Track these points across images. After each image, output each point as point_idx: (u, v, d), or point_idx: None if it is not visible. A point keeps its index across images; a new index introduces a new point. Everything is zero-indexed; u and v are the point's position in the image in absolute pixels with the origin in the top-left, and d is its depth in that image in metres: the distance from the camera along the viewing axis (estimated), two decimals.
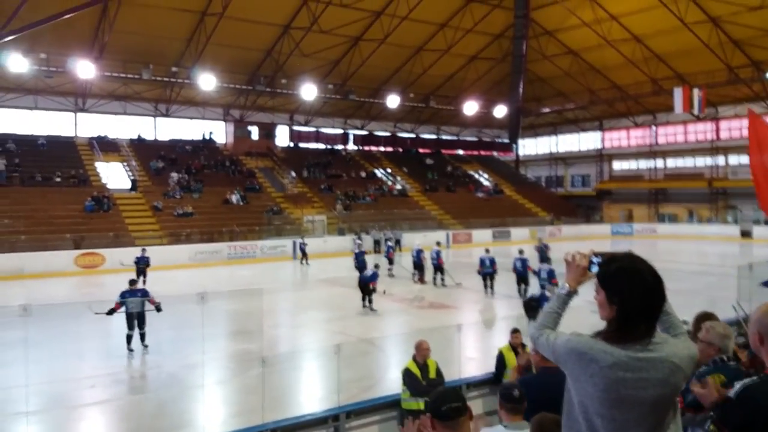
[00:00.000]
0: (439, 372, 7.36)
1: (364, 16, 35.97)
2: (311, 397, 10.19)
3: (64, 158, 34.81)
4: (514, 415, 3.69)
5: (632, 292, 2.23)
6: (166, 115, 41.04)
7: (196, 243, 29.98)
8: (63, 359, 12.67)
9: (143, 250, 22.72)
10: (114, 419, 9.70)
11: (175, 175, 35.81)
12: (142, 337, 12.85)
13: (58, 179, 32.29)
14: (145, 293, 13.08)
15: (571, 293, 2.62)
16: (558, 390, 2.67)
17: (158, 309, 12.64)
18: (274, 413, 7.87)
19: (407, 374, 7.20)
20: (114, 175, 36.31)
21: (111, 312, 12.50)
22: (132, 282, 13.33)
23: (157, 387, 10.96)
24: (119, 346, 13.69)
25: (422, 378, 7.14)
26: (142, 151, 38.43)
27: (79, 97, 37.60)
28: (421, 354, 7.42)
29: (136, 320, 12.72)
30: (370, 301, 17.29)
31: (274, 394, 9.54)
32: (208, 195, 35.54)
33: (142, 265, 21.74)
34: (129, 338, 12.68)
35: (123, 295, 12.83)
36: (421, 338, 7.70)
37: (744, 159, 42.96)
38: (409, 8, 35.15)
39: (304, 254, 29.16)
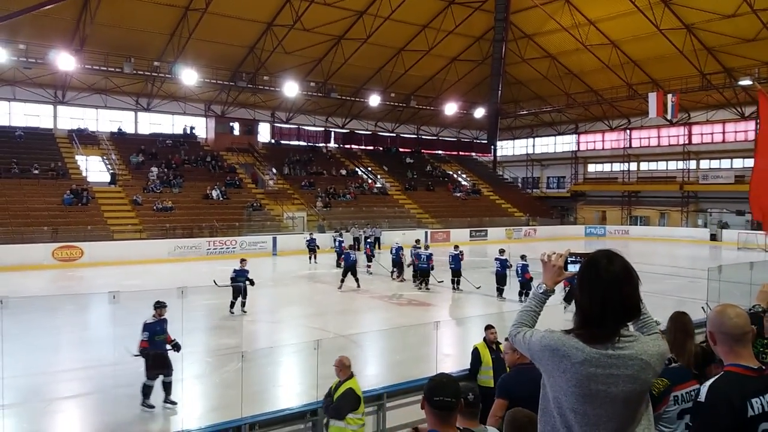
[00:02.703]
0: (342, 396, 6.38)
1: (347, 15, 36.11)
2: (290, 392, 10.28)
3: (43, 150, 34.44)
4: (470, 419, 3.55)
5: (585, 287, 2.28)
6: (147, 109, 40.74)
7: (176, 238, 29.90)
8: (38, 352, 12.63)
9: (242, 261, 16.96)
10: (90, 413, 9.71)
11: (155, 170, 35.63)
12: (167, 388, 9.31)
13: (36, 171, 31.95)
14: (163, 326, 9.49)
15: (548, 292, 2.64)
16: (535, 386, 2.85)
17: (176, 348, 9.47)
18: (252, 408, 7.99)
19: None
20: (93, 169, 36.08)
21: (143, 354, 9.24)
22: (159, 306, 9.59)
23: (135, 380, 11.01)
24: (95, 339, 13.73)
25: (329, 396, 6.57)
26: (122, 144, 38.13)
27: (58, 89, 37.17)
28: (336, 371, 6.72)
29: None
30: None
31: (252, 389, 9.64)
32: (188, 190, 35.43)
33: (241, 281, 16.23)
34: (148, 390, 9.15)
35: (150, 328, 9.32)
36: (342, 354, 7.00)
37: (714, 163, 44.11)
38: (392, 9, 35.35)
39: (314, 251, 27.96)
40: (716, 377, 2.50)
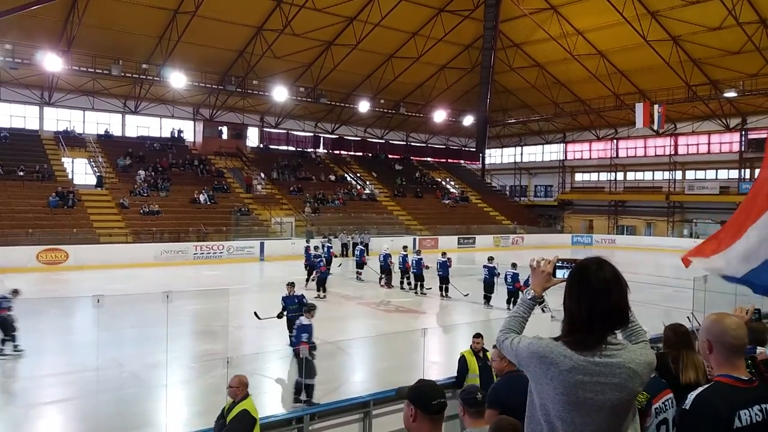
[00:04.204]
0: (235, 420, 5.90)
1: (337, 20, 36.22)
2: (275, 398, 10.28)
3: (28, 152, 34.12)
4: (477, 419, 3.54)
5: (573, 293, 2.28)
6: (135, 112, 40.51)
7: (162, 242, 29.69)
8: (21, 356, 12.52)
9: (290, 285, 13.50)
10: (73, 418, 9.63)
11: (142, 173, 35.43)
12: (310, 391, 9.59)
13: (21, 173, 31.63)
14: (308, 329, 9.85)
15: (537, 299, 2.63)
16: (525, 394, 2.78)
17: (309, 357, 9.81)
18: None
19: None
20: (80, 171, 35.84)
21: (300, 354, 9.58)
22: (312, 308, 10.26)
23: (119, 386, 10.86)
24: (79, 344, 13.58)
25: (222, 417, 6.17)
26: (109, 147, 37.85)
27: (45, 90, 36.87)
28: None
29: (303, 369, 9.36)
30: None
31: None
32: (175, 194, 35.23)
33: (293, 309, 12.83)
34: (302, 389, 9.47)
35: (310, 329, 9.91)
36: (238, 374, 6.47)
37: (699, 174, 44.64)
38: (382, 15, 35.53)
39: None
40: (705, 387, 2.49)
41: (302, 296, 13.32)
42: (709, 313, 2.81)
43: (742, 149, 41.88)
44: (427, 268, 20.95)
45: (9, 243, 26.04)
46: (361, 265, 24.91)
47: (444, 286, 20.30)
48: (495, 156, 58.40)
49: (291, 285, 13.47)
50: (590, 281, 2.24)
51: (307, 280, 22.05)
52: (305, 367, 9.40)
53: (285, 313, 13.05)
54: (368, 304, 19.33)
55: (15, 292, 12.70)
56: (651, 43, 35.37)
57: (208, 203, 35.29)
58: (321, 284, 20.30)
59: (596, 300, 2.22)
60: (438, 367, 11.17)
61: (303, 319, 10.02)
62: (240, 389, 6.09)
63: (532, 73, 44.19)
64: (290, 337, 10.09)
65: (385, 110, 46.68)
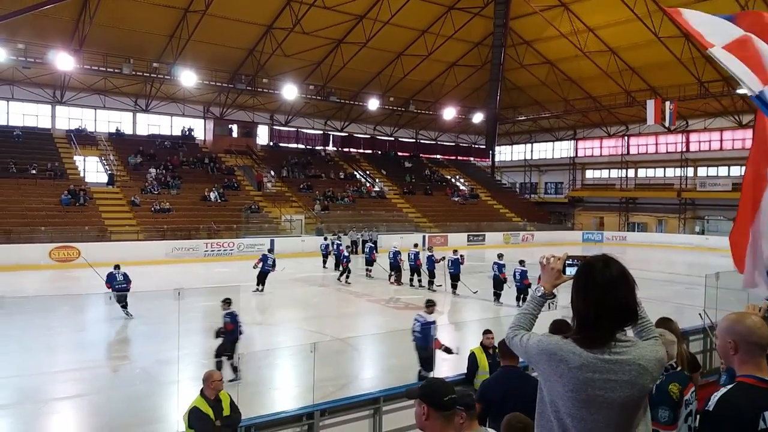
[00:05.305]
0: (234, 407, 6.58)
1: (347, 19, 36.22)
2: (286, 394, 10.31)
3: (41, 150, 34.36)
4: (473, 420, 3.35)
5: (580, 291, 2.28)
6: (146, 110, 40.72)
7: (173, 239, 29.86)
8: (34, 352, 12.62)
9: (225, 301, 11.20)
10: (85, 414, 9.70)
11: (153, 171, 35.63)
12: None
13: (34, 171, 31.89)
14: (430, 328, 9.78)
15: (546, 296, 2.61)
16: (516, 388, 2.75)
17: (448, 351, 9.88)
18: (248, 410, 7.99)
19: (195, 414, 6.34)
20: (91, 169, 36.10)
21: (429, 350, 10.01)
22: (432, 304, 10.25)
23: (131, 382, 10.95)
24: (91, 340, 13.74)
25: (215, 417, 6.37)
26: (120, 145, 38.10)
27: (57, 89, 37.16)
28: (211, 387, 6.57)
29: None
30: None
31: (249, 391, 9.66)
32: (186, 191, 35.42)
33: (228, 338, 10.80)
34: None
35: (428, 326, 10.00)
36: (211, 369, 6.88)
37: (711, 171, 44.26)
38: (391, 13, 35.49)
39: (326, 256, 26.25)
40: (728, 388, 2.43)
41: (233, 313, 10.91)
42: (720, 309, 2.78)
43: None
44: (442, 259, 21.00)
45: (23, 240, 26.31)
46: (370, 262, 24.88)
47: (454, 283, 20.31)
48: (505, 153, 58.20)
49: (226, 302, 11.11)
50: (596, 279, 2.24)
51: (341, 274, 23.25)
52: (428, 362, 9.94)
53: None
54: (378, 301, 19.36)
55: (117, 267, 15.92)
56: (663, 39, 35.04)
57: (219, 201, 35.45)
58: (261, 279, 19.98)
59: (603, 297, 2.21)
60: (448, 363, 11.16)
61: (426, 316, 10.08)
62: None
63: (543, 70, 43.99)
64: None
65: (395, 108, 46.65)
